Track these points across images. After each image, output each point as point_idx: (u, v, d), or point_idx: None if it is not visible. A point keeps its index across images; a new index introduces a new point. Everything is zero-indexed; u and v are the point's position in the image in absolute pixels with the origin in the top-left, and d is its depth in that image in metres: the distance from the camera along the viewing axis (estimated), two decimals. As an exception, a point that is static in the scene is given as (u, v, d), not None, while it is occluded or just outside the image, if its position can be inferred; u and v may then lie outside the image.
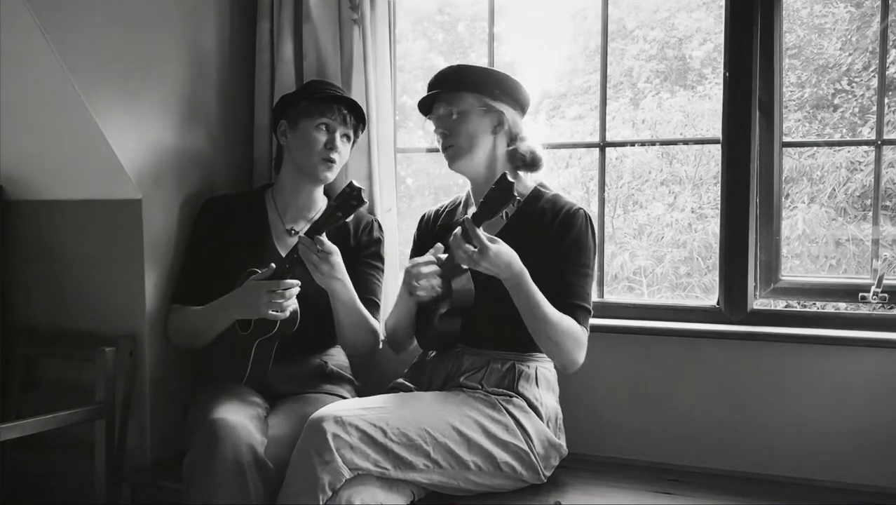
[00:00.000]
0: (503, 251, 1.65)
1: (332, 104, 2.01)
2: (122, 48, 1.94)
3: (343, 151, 2.05)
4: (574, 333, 1.75)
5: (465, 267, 1.73)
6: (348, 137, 2.06)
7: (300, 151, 2.02)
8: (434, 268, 1.74)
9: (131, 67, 1.96)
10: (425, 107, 1.97)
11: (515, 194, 1.58)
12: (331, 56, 2.24)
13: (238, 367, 1.91)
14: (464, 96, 1.88)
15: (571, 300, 1.78)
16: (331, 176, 2.03)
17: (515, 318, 1.75)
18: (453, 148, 1.89)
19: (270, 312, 1.79)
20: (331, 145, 2.00)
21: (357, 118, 2.07)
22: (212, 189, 2.23)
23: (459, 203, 2.06)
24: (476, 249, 1.62)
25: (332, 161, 2.01)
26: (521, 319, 1.75)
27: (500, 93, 1.89)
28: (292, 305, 1.83)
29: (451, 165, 1.92)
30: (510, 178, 1.59)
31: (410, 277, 1.73)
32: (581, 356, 1.79)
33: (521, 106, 1.94)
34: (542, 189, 1.94)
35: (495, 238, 1.66)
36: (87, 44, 1.83)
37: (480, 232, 1.61)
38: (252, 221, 2.07)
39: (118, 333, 2.03)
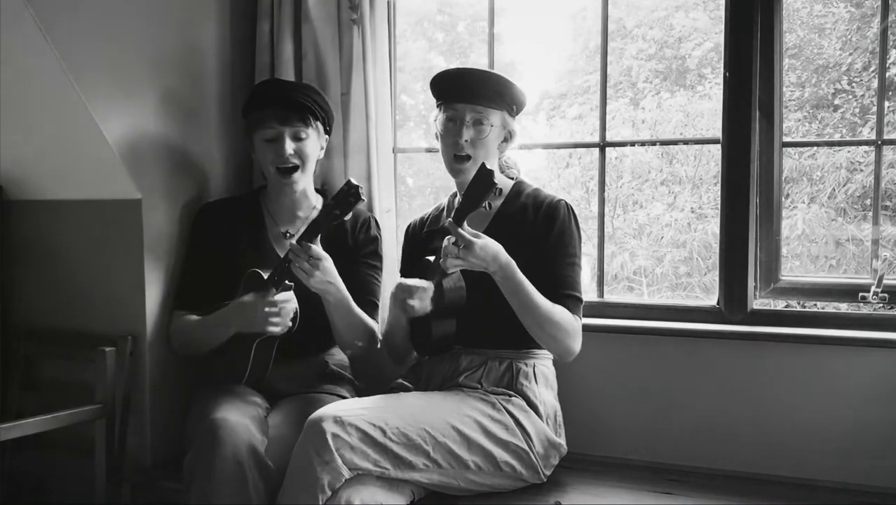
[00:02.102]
0: (488, 245, 1.67)
1: (267, 111, 1.95)
2: (122, 48, 1.94)
3: (304, 149, 1.97)
4: (567, 321, 1.77)
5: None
6: (302, 134, 1.96)
7: (261, 164, 2.02)
8: (424, 284, 1.73)
9: (131, 67, 1.96)
10: (443, 92, 1.92)
11: (495, 182, 1.60)
12: (330, 56, 2.24)
13: (238, 366, 1.91)
14: (493, 113, 1.88)
15: (562, 290, 1.80)
16: (297, 180, 1.98)
17: (511, 315, 1.76)
18: (471, 161, 1.87)
19: (268, 328, 1.80)
20: (279, 154, 1.95)
21: (303, 109, 1.95)
22: (211, 189, 2.23)
23: (443, 208, 2.07)
24: (462, 246, 1.63)
25: (289, 166, 1.96)
26: (516, 317, 1.76)
27: (516, 109, 1.93)
28: (289, 318, 1.83)
29: (459, 176, 1.91)
30: (488, 167, 1.61)
31: (403, 296, 1.73)
32: (577, 345, 1.80)
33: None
34: (522, 185, 1.97)
35: (478, 233, 1.68)
36: (87, 44, 1.83)
37: (462, 230, 1.63)
38: (249, 225, 2.07)
39: (118, 333, 2.02)
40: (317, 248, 1.78)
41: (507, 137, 1.94)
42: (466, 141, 1.86)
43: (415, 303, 1.72)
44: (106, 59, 1.89)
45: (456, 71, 1.91)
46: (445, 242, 1.66)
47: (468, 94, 1.86)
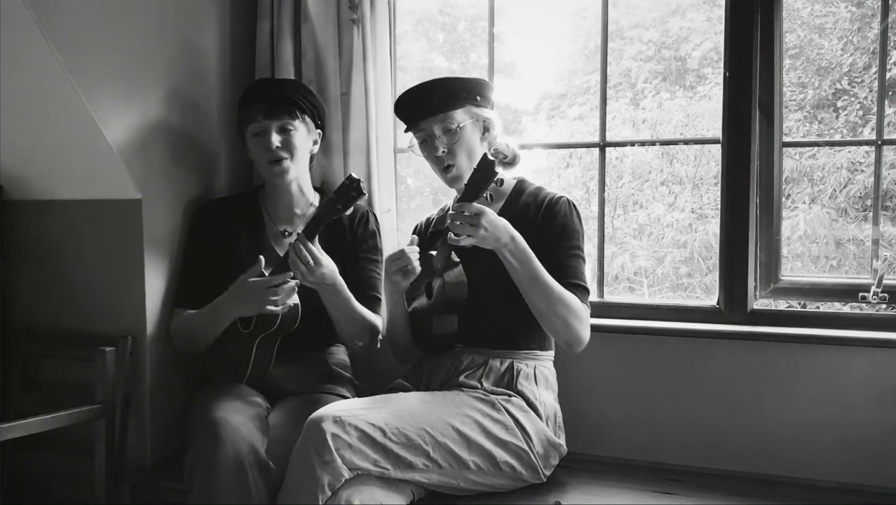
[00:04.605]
0: (497, 217, 1.68)
1: (253, 107, 1.97)
2: (122, 48, 1.94)
3: (291, 141, 1.97)
4: (577, 307, 1.76)
5: (457, 260, 1.75)
6: (288, 126, 1.97)
7: (255, 163, 2.05)
8: (398, 254, 1.76)
9: (131, 67, 1.96)
10: (405, 117, 1.94)
11: (497, 171, 1.61)
12: (330, 56, 2.24)
13: (239, 366, 1.91)
14: (455, 113, 1.87)
15: (569, 280, 1.79)
16: (288, 174, 1.99)
17: (513, 315, 1.77)
18: (456, 168, 1.88)
19: (269, 306, 1.79)
20: (266, 147, 1.96)
21: (288, 103, 1.97)
22: (212, 189, 2.24)
23: (448, 209, 2.07)
24: (473, 214, 1.64)
25: (278, 161, 1.97)
26: (519, 317, 1.77)
27: (481, 99, 1.91)
28: (291, 298, 1.83)
29: (453, 185, 1.92)
30: (490, 157, 1.63)
31: (389, 268, 1.77)
32: (586, 332, 1.80)
33: (492, 104, 1.96)
34: (524, 184, 1.97)
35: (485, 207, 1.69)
36: (87, 44, 1.83)
37: (470, 204, 1.64)
38: (248, 224, 2.07)
39: (118, 333, 2.02)
40: (317, 252, 1.78)
41: (486, 127, 1.92)
42: (444, 152, 1.87)
43: (396, 267, 1.76)
44: (106, 59, 1.89)
45: (405, 95, 1.91)
46: (451, 215, 1.66)
47: (423, 109, 1.87)
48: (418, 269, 1.78)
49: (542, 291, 1.73)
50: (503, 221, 1.69)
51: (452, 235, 1.69)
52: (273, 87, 2.03)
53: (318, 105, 2.06)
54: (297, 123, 1.99)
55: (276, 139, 1.96)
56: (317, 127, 2.07)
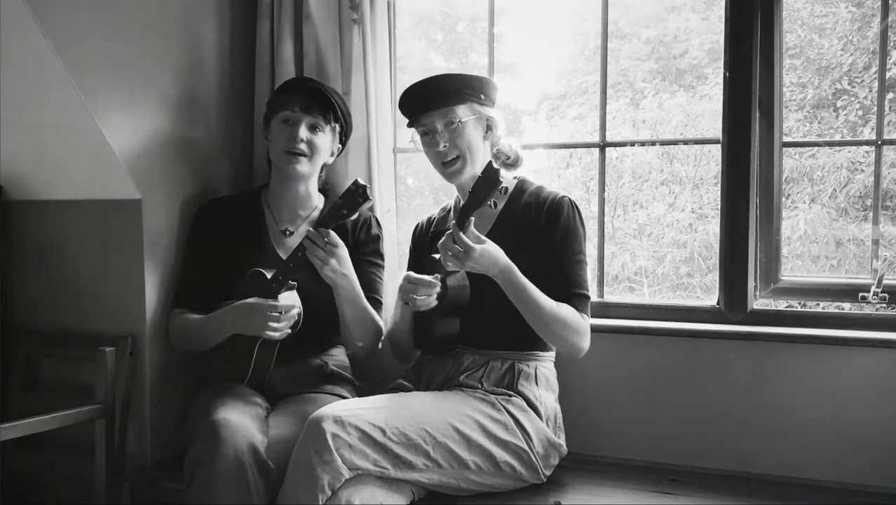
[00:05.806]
0: (488, 250, 1.68)
1: (292, 96, 1.98)
2: (122, 48, 1.94)
3: (316, 141, 1.99)
4: (574, 320, 1.77)
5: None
6: (318, 127, 1.99)
7: (272, 149, 2.04)
8: (430, 281, 1.74)
9: (131, 67, 1.96)
10: (408, 112, 1.95)
11: (501, 180, 1.62)
12: (330, 56, 2.24)
13: (240, 367, 1.91)
14: (458, 108, 1.87)
15: (569, 290, 1.81)
16: (301, 169, 1.99)
17: (514, 316, 1.77)
18: (458, 163, 1.89)
19: (266, 332, 1.80)
20: (292, 136, 1.96)
21: (326, 105, 2.00)
22: (212, 189, 2.24)
23: (450, 209, 2.08)
24: (462, 251, 1.65)
25: (297, 153, 1.97)
26: (520, 317, 1.76)
27: (485, 98, 1.91)
28: (289, 325, 1.83)
29: (453, 180, 1.92)
30: (495, 166, 1.63)
31: (408, 290, 1.75)
32: (585, 343, 1.81)
33: (496, 105, 1.96)
34: (525, 183, 1.97)
35: (481, 237, 1.69)
36: (87, 44, 1.83)
37: (464, 234, 1.65)
38: (249, 223, 2.07)
39: (118, 333, 2.03)
40: (333, 234, 1.78)
41: (489, 126, 1.92)
42: (445, 146, 1.87)
43: (419, 299, 1.73)
44: (106, 59, 1.89)
45: (410, 90, 1.92)
46: (444, 239, 1.68)
47: (426, 103, 1.87)
48: (432, 303, 1.77)
49: (536, 315, 1.75)
50: (493, 257, 1.69)
51: (446, 256, 1.69)
52: (317, 84, 2.04)
53: (349, 120, 2.09)
54: (327, 128, 2.01)
55: (304, 133, 1.97)
56: (340, 140, 2.08)
